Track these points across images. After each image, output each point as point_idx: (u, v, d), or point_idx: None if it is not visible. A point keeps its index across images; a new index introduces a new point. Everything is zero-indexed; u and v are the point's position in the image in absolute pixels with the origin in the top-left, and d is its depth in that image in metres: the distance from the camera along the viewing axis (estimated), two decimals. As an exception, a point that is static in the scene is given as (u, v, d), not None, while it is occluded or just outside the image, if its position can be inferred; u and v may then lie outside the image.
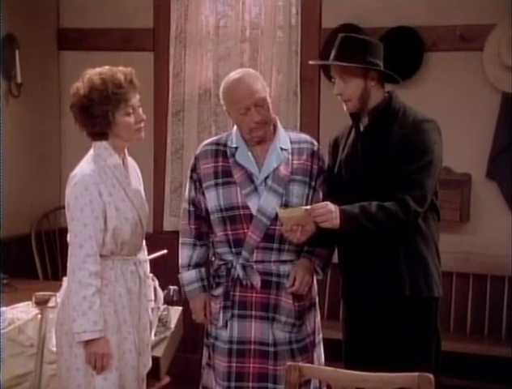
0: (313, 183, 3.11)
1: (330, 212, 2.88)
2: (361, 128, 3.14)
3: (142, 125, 3.02)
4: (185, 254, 3.21)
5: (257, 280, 3.04)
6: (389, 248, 3.03)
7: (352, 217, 2.89)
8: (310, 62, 3.60)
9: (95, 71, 2.98)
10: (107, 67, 2.99)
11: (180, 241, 3.24)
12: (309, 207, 2.92)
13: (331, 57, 3.12)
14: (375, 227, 2.91)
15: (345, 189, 3.12)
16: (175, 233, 5.12)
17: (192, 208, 3.17)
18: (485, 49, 4.56)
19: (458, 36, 4.67)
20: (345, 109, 3.12)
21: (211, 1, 5.16)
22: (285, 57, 5.03)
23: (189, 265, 3.19)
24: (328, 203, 2.91)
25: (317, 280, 3.25)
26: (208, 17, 5.18)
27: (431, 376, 2.26)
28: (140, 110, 3.01)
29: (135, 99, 2.99)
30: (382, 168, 3.03)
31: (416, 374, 2.27)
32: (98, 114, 2.93)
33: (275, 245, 3.04)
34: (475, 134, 4.65)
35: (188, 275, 3.19)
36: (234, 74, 3.09)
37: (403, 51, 4.62)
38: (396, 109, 3.10)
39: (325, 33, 4.86)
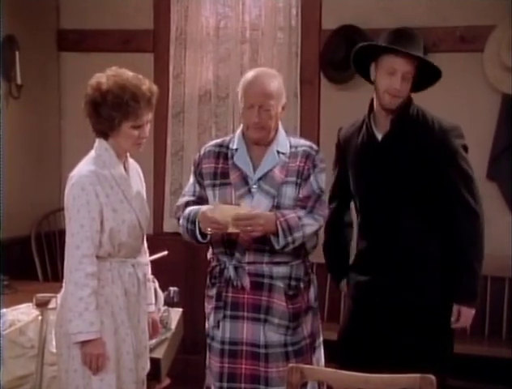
0: (299, 181, 3.09)
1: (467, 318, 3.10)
2: (377, 135, 3.11)
3: (144, 141, 3.02)
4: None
5: (246, 282, 3.04)
6: (427, 258, 3.11)
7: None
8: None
9: (123, 73, 2.97)
10: (136, 75, 2.98)
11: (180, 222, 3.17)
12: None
13: (397, 46, 3.03)
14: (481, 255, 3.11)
15: (363, 197, 3.13)
16: (175, 235, 5.15)
17: (198, 200, 3.15)
18: (485, 50, 4.56)
19: (458, 37, 4.67)
20: (387, 103, 3.06)
21: (212, 2, 5.17)
22: (285, 58, 5.04)
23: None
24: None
25: (318, 283, 3.24)
26: (208, 18, 5.18)
27: (432, 377, 2.25)
28: (147, 127, 3.00)
29: (147, 117, 2.98)
30: (408, 177, 3.05)
31: (418, 375, 2.26)
32: (105, 116, 2.93)
33: (268, 247, 3.03)
34: (475, 135, 4.62)
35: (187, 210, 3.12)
36: (258, 70, 3.12)
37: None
38: (414, 115, 3.09)
39: (325, 34, 4.86)
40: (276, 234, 2.97)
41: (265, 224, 2.94)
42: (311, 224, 3.03)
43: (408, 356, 3.02)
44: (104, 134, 3.00)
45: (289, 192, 3.07)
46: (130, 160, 3.12)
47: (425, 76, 3.12)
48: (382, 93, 3.05)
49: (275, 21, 5.04)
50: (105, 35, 5.33)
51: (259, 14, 5.10)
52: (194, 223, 3.05)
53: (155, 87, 3.01)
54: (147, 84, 2.98)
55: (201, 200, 3.15)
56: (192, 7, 5.20)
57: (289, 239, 2.99)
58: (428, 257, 3.11)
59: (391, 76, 3.03)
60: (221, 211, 2.96)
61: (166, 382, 3.80)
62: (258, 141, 3.08)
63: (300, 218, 3.01)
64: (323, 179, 3.11)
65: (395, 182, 3.06)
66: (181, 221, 3.13)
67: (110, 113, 2.91)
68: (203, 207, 3.03)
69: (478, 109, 4.65)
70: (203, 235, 3.05)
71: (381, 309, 3.11)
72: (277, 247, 3.00)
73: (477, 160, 4.59)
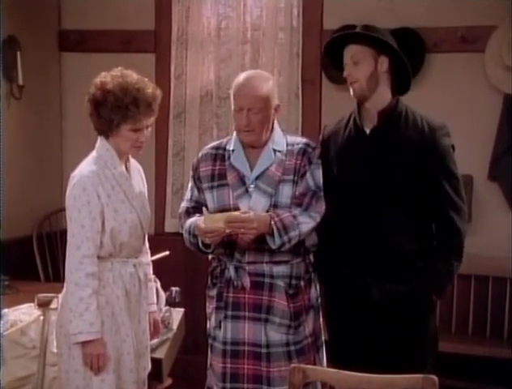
0: (296, 178, 3.08)
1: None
2: (366, 130, 3.11)
3: (143, 144, 3.01)
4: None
5: (247, 282, 3.04)
6: (410, 251, 3.09)
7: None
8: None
9: (128, 76, 2.95)
10: (141, 78, 2.97)
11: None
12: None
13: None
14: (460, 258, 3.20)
15: (343, 190, 3.11)
16: (176, 235, 5.16)
17: (196, 205, 3.17)
18: (487, 51, 4.56)
19: (460, 37, 4.67)
20: (352, 94, 3.08)
21: (213, 2, 5.17)
22: (286, 58, 5.04)
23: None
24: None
25: (318, 283, 3.23)
26: (210, 18, 5.18)
27: (435, 378, 2.26)
28: (147, 131, 3.00)
29: (147, 121, 2.97)
30: (396, 173, 3.03)
31: (420, 375, 2.27)
32: (104, 117, 2.93)
33: (267, 246, 3.02)
34: (476, 135, 4.65)
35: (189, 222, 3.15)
36: (249, 72, 3.12)
37: (404, 52, 4.59)
38: (403, 112, 3.09)
39: (326, 35, 4.83)
40: (272, 234, 2.97)
41: (258, 227, 2.94)
42: (307, 222, 3.03)
43: (396, 354, 3.03)
44: (104, 133, 3.00)
45: (286, 190, 3.06)
46: (132, 160, 3.12)
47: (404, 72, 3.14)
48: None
49: (276, 21, 5.04)
50: (107, 35, 5.33)
51: (260, 15, 5.10)
52: (195, 236, 3.08)
53: (158, 92, 3.00)
54: (151, 89, 2.97)
55: (199, 205, 3.16)
56: (193, 8, 5.20)
57: (285, 238, 2.98)
58: (415, 254, 3.09)
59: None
60: (212, 218, 2.97)
61: (168, 382, 3.79)
62: (250, 144, 3.09)
63: (295, 216, 3.01)
64: (320, 175, 3.10)
65: (382, 176, 3.05)
66: (183, 234, 3.16)
67: (110, 114, 2.91)
68: (198, 220, 3.05)
69: (479, 110, 4.66)
70: (206, 245, 3.08)
71: (366, 305, 3.10)
72: (273, 247, 2.99)
73: (479, 160, 4.63)
